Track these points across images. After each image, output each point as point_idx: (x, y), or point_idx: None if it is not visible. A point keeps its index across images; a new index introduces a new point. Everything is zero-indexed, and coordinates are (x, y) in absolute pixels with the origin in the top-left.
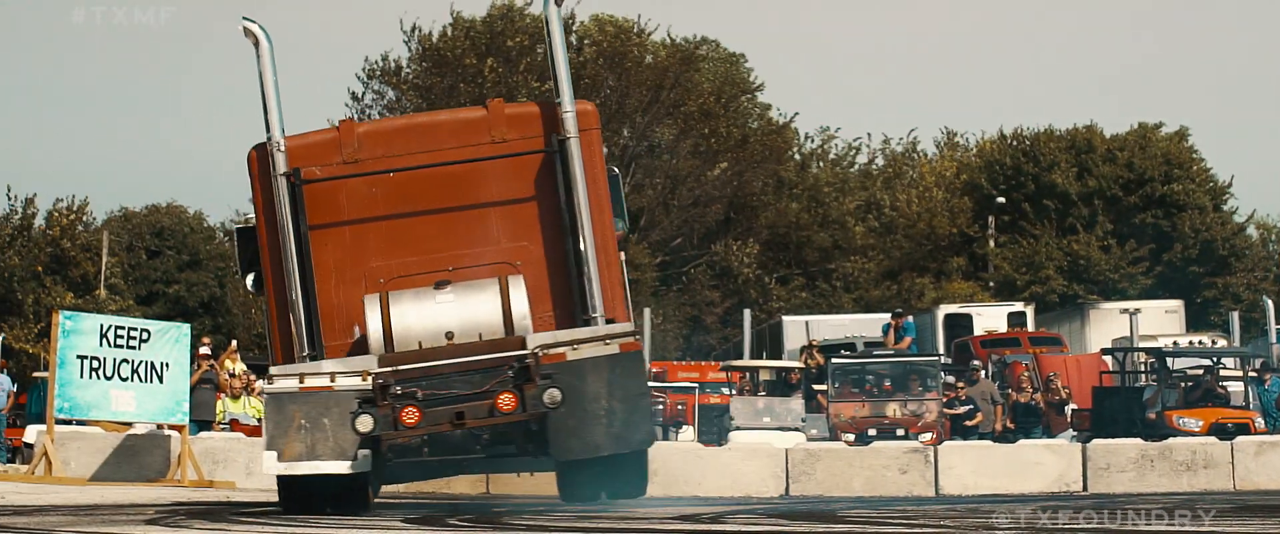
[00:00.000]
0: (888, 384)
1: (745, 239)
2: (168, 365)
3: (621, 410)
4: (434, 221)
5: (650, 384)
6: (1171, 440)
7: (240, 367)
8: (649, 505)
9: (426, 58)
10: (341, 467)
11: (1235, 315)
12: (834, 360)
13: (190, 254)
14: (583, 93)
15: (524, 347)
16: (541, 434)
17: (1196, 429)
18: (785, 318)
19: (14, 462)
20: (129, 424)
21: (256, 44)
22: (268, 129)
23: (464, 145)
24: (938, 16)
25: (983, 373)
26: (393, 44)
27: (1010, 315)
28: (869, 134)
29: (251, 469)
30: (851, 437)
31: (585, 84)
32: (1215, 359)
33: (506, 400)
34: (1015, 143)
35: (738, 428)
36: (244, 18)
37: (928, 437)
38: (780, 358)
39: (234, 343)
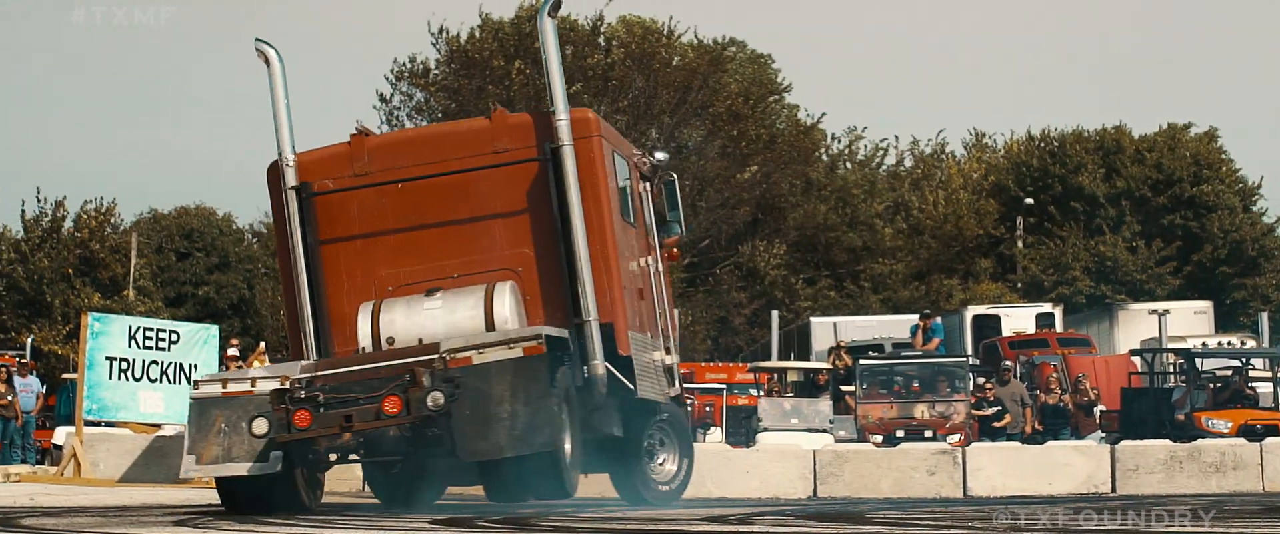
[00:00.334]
0: (916, 385)
1: (772, 240)
2: (196, 367)
3: (524, 413)
4: (440, 230)
5: (685, 386)
6: (1200, 442)
7: None
8: (680, 506)
9: (454, 60)
10: (245, 468)
11: (1264, 316)
12: (862, 362)
13: (219, 256)
14: (611, 94)
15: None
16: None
17: (1225, 430)
18: (813, 319)
19: (43, 463)
20: (158, 426)
21: (268, 64)
22: (279, 146)
23: (468, 156)
24: (966, 18)
25: (1014, 374)
26: (421, 46)
27: (1039, 317)
28: (897, 137)
29: None
30: (879, 438)
31: (613, 86)
32: (1244, 360)
33: (392, 404)
34: (1042, 144)
35: (765, 429)
36: (257, 39)
37: (956, 438)
38: (808, 359)
39: (262, 344)
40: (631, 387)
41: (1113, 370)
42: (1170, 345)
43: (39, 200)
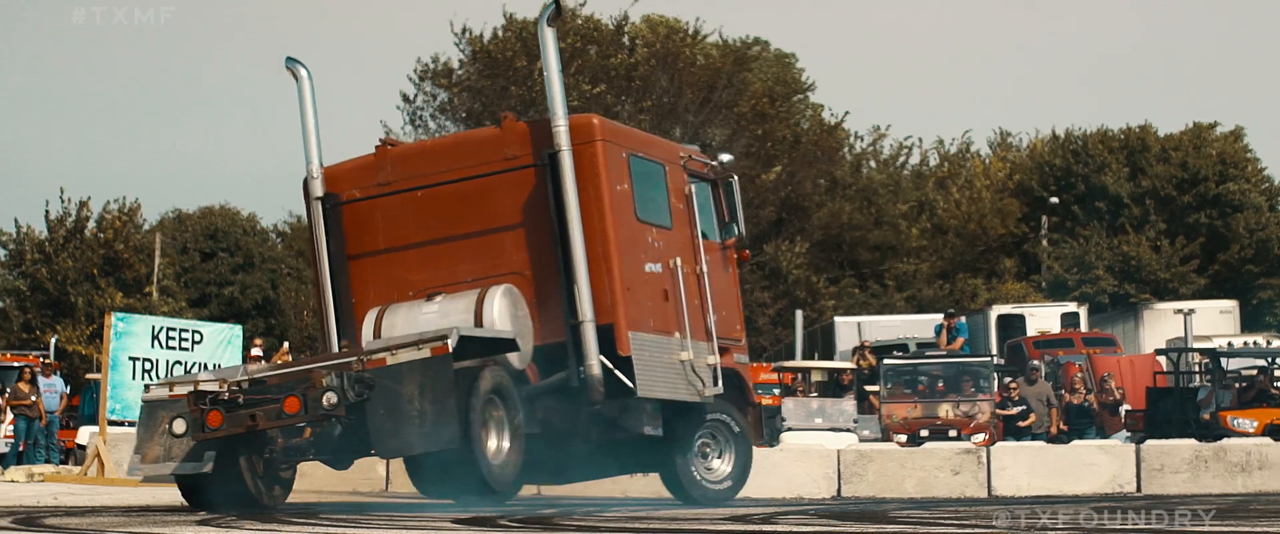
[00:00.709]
0: (940, 385)
1: (794, 239)
2: (219, 367)
3: (431, 411)
4: (456, 237)
5: None
6: (1226, 441)
7: None
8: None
9: (477, 60)
10: (171, 468)
11: None
12: (886, 361)
13: (244, 256)
14: (635, 94)
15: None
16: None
17: (1251, 430)
18: (837, 319)
19: (67, 463)
20: None
21: (297, 81)
22: (307, 160)
23: (480, 163)
24: (990, 17)
25: (1042, 374)
26: (444, 46)
27: (1063, 316)
28: (920, 139)
29: (304, 471)
30: (904, 438)
31: (637, 86)
32: (1270, 359)
33: (291, 404)
34: (1066, 143)
35: (789, 429)
36: (288, 58)
37: (980, 438)
38: (832, 359)
39: (286, 344)
40: (632, 386)
41: (1138, 370)
42: (1196, 345)
43: (62, 201)
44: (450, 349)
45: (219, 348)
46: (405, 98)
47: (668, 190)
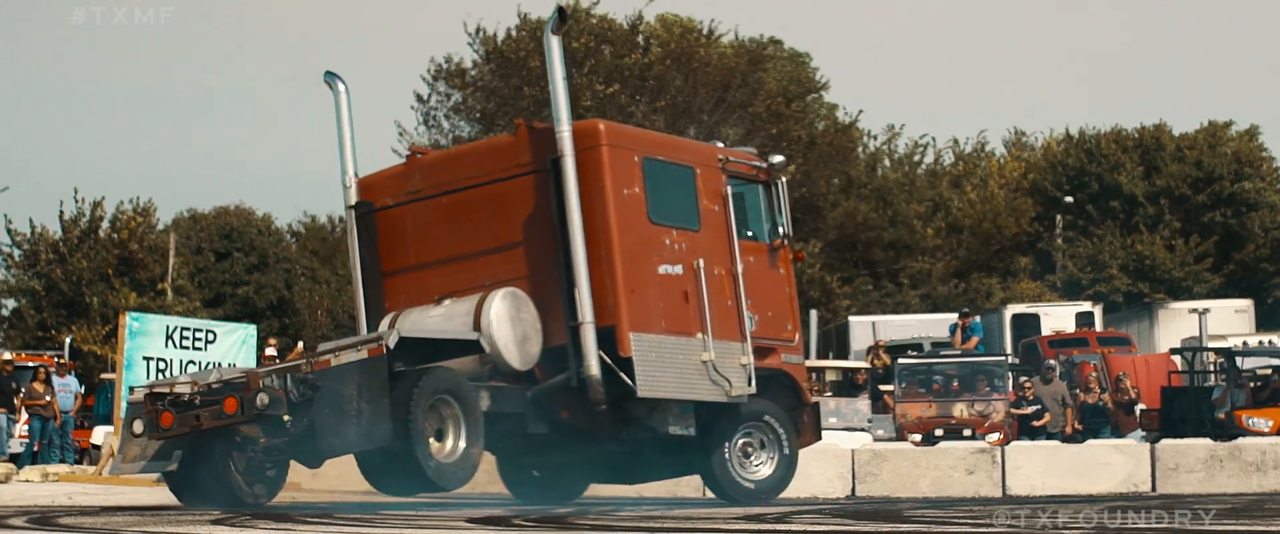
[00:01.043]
0: (955, 384)
1: (808, 238)
2: (233, 367)
3: (368, 410)
4: (477, 240)
5: None
6: (1241, 441)
7: None
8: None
9: (491, 60)
10: (139, 467)
11: None
12: (901, 361)
13: (258, 256)
14: (649, 93)
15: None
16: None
17: (1266, 429)
18: (852, 318)
19: (81, 462)
20: None
21: (334, 93)
22: (342, 170)
23: (497, 169)
24: (1005, 17)
25: (1057, 373)
26: (458, 46)
27: (1078, 315)
28: (934, 139)
29: (320, 471)
30: (918, 437)
31: (651, 85)
32: None
33: (230, 405)
34: (1080, 143)
35: None
36: (326, 72)
37: (995, 437)
38: (847, 358)
39: (300, 344)
40: (633, 385)
41: (1152, 369)
42: (1211, 344)
43: (77, 201)
44: (385, 350)
45: (233, 348)
46: (419, 98)
47: (697, 192)
